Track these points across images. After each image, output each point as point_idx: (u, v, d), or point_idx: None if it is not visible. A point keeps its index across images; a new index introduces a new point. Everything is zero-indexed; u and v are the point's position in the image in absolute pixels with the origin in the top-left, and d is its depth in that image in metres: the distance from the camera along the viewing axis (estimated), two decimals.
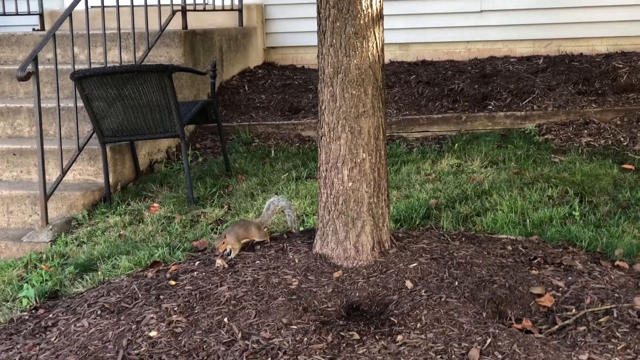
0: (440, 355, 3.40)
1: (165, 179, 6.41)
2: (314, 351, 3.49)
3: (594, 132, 6.80)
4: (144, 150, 6.74)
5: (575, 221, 5.03)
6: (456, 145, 6.72)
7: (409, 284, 3.95)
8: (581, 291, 3.96)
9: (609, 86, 7.45)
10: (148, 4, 6.95)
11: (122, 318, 3.90)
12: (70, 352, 3.69)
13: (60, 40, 7.03)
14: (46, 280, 4.80)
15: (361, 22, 4.05)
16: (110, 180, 6.14)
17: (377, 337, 3.60)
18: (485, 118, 7.18)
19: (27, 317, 4.29)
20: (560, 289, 3.99)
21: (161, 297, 4.03)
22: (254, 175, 6.29)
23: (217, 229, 5.26)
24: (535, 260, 4.32)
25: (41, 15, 8.44)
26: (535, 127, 7.01)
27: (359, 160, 4.15)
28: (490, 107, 7.35)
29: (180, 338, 3.65)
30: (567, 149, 6.50)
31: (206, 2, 8.30)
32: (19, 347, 3.89)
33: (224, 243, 4.34)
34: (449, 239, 4.54)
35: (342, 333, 3.64)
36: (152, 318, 3.82)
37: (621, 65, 7.71)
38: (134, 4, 6.85)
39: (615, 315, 3.73)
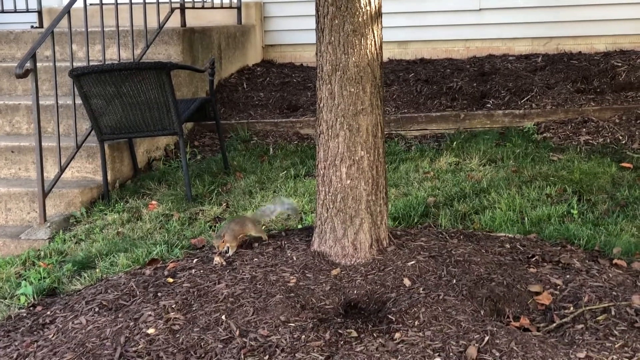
0: (438, 353, 3.41)
1: (164, 177, 6.41)
2: (312, 349, 3.49)
3: (593, 131, 6.80)
4: (142, 148, 6.73)
5: (573, 219, 5.03)
6: (455, 143, 6.72)
7: (407, 281, 3.95)
8: (579, 289, 3.96)
9: (607, 84, 7.45)
10: (147, 1, 6.94)
11: (119, 315, 3.90)
12: (68, 349, 3.69)
13: (59, 38, 7.02)
14: (44, 278, 4.80)
15: (359, 19, 4.05)
16: (109, 177, 6.14)
17: (374, 334, 3.60)
18: (483, 116, 7.18)
19: (24, 315, 4.28)
20: (558, 287, 3.99)
21: (159, 294, 4.03)
22: (252, 173, 6.28)
23: (215, 226, 5.26)
24: (534, 259, 4.32)
25: (39, 13, 8.43)
26: (534, 125, 7.01)
27: (357, 158, 4.14)
28: (489, 106, 7.35)
29: (178, 335, 3.65)
30: (565, 148, 6.50)
31: None
32: (16, 344, 3.89)
33: (223, 242, 4.33)
34: (447, 237, 4.54)
35: (339, 331, 3.64)
36: (149, 315, 3.82)
37: (620, 64, 7.71)
38: (133, 1, 6.84)
39: (613, 313, 3.73)
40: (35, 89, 5.71)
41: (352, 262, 4.16)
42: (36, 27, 8.34)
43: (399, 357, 3.39)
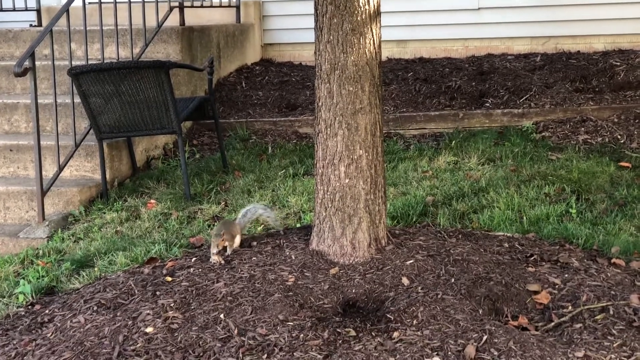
0: (436, 352, 3.41)
1: (162, 176, 6.40)
2: (310, 347, 3.49)
3: (591, 130, 6.80)
4: (141, 147, 6.73)
5: (572, 219, 5.03)
6: (453, 142, 6.72)
7: (405, 280, 3.95)
8: (577, 288, 3.96)
9: (606, 84, 7.45)
10: (145, 0, 6.93)
11: (118, 314, 3.90)
12: (66, 347, 3.69)
13: (58, 36, 7.02)
14: (42, 276, 4.80)
15: (358, 18, 4.05)
16: (107, 176, 6.14)
17: (373, 333, 3.60)
18: (482, 115, 7.19)
19: (23, 313, 4.28)
20: (557, 286, 3.99)
21: (157, 293, 4.03)
22: (251, 172, 6.28)
23: (213, 225, 5.26)
24: (532, 258, 4.32)
25: (38, 11, 8.43)
26: (533, 124, 7.02)
27: (355, 157, 4.14)
28: (488, 105, 7.35)
29: (176, 334, 3.65)
30: (564, 147, 6.50)
31: None
32: (15, 342, 3.89)
33: (222, 240, 4.33)
34: (446, 236, 4.54)
35: (338, 330, 3.64)
36: (148, 314, 3.82)
37: (618, 63, 7.71)
38: (132, 0, 6.84)
39: (611, 312, 3.73)
40: (33, 87, 5.71)
41: (351, 261, 4.16)
42: (35, 26, 8.34)
43: (398, 356, 3.40)
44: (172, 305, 3.88)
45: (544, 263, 4.26)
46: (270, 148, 6.94)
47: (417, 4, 8.52)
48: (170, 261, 4.49)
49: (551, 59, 8.12)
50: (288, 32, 8.86)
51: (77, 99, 6.02)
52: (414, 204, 5.28)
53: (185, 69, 7.11)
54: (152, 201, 5.83)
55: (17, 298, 4.51)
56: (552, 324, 3.70)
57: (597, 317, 3.70)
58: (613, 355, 3.39)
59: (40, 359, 3.67)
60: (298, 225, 5.09)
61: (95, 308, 4.03)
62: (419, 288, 3.88)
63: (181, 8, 7.57)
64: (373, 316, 3.78)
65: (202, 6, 8.08)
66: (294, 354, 3.46)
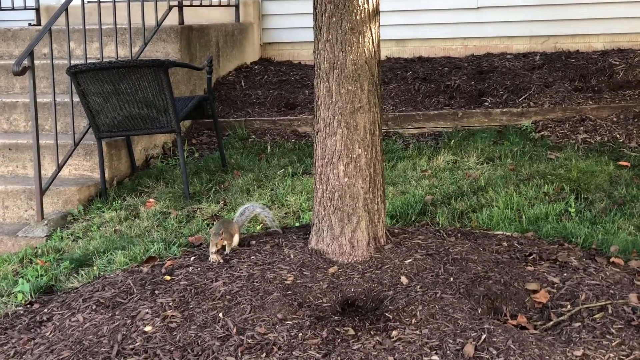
0: (435, 351, 3.41)
1: (161, 175, 6.40)
2: (309, 346, 3.49)
3: (590, 129, 6.80)
4: (140, 146, 6.73)
5: (570, 218, 5.03)
6: (452, 141, 6.72)
7: (404, 279, 3.95)
8: (576, 287, 3.96)
9: (605, 83, 7.45)
10: None
11: (117, 313, 3.90)
12: (65, 346, 3.69)
13: (57, 35, 7.02)
14: (41, 275, 4.80)
15: (357, 17, 4.05)
16: (106, 175, 6.14)
17: (372, 332, 3.60)
18: (481, 114, 7.19)
19: (22, 312, 4.28)
20: (556, 285, 3.99)
21: (156, 292, 4.03)
22: (250, 171, 6.28)
23: (212, 224, 5.26)
24: (531, 257, 4.32)
25: (37, 10, 8.42)
26: (532, 123, 7.02)
27: (354, 156, 4.14)
28: (487, 104, 7.35)
29: (175, 333, 3.65)
30: (563, 146, 6.50)
31: None
32: (13, 341, 3.89)
33: (221, 239, 4.33)
34: (445, 235, 4.54)
35: (337, 328, 3.64)
36: (147, 313, 3.82)
37: (617, 62, 7.71)
38: None
39: (610, 311, 3.73)
40: (32, 86, 5.70)
41: (350, 260, 4.16)
42: (34, 25, 8.33)
43: (396, 355, 3.40)
44: (170, 304, 3.88)
45: (542, 262, 4.26)
46: (269, 147, 6.93)
47: (416, 3, 8.52)
48: (169, 260, 4.49)
49: (550, 58, 8.12)
50: (287, 31, 8.86)
51: (76, 98, 6.01)
52: (413, 203, 5.28)
53: (184, 68, 7.11)
54: (151, 200, 5.83)
55: (16, 297, 4.51)
56: (551, 323, 3.70)
57: (596, 316, 3.70)
58: (612, 354, 3.40)
59: (39, 358, 3.67)
60: (297, 224, 5.09)
61: (94, 307, 4.03)
62: (418, 287, 3.88)
63: (180, 7, 7.57)
64: (372, 315, 3.78)
65: (201, 5, 8.07)
66: (293, 352, 3.46)
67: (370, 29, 4.10)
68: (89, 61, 6.31)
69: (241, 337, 3.58)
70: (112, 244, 5.09)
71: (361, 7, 4.05)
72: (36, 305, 4.34)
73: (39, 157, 5.75)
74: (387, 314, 3.72)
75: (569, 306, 3.81)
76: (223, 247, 4.33)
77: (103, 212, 5.75)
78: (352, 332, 3.62)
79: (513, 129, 6.94)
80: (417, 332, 3.54)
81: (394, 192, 5.60)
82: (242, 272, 4.09)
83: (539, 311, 3.84)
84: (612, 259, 4.34)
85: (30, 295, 4.51)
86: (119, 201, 5.88)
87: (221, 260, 4.26)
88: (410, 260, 4.10)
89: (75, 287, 4.49)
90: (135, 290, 4.11)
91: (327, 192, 4.20)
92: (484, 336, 3.47)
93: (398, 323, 3.63)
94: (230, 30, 8.38)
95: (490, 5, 8.41)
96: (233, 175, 6.25)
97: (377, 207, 4.23)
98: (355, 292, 3.93)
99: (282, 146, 6.93)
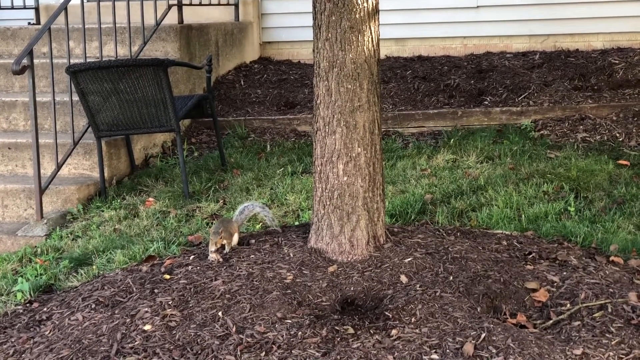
0: (434, 350, 3.41)
1: (161, 174, 6.40)
2: (308, 345, 3.49)
3: (590, 128, 6.80)
4: (140, 145, 6.73)
5: (570, 217, 5.03)
6: (452, 140, 6.72)
7: (403, 278, 3.95)
8: (576, 286, 3.96)
9: (604, 82, 7.45)
10: None
11: (116, 312, 3.90)
12: (65, 345, 3.69)
13: (56, 34, 7.01)
14: (41, 274, 4.80)
15: (357, 16, 4.04)
16: (106, 174, 6.13)
17: (371, 331, 3.60)
18: (481, 113, 7.19)
19: (21, 311, 4.28)
20: (555, 284, 3.99)
21: (156, 291, 4.03)
22: (249, 170, 6.28)
23: (212, 223, 5.26)
24: (530, 256, 4.32)
25: (37, 9, 8.41)
26: (531, 122, 7.01)
27: (354, 155, 4.14)
28: (486, 103, 7.35)
29: (174, 332, 3.65)
30: (562, 145, 6.50)
31: None
32: (13, 340, 3.89)
33: (221, 238, 4.33)
34: (444, 234, 4.54)
35: (336, 327, 3.64)
36: (146, 312, 3.82)
37: (617, 61, 7.71)
38: None
39: (609, 310, 3.73)
40: (32, 85, 5.70)
41: (349, 259, 4.16)
42: (33, 24, 8.32)
43: (396, 354, 3.39)
44: (170, 303, 3.88)
45: (542, 261, 4.26)
46: (268, 146, 6.93)
47: (415, 2, 8.51)
48: (168, 259, 4.49)
49: (550, 57, 8.11)
50: (287, 30, 8.86)
51: (76, 97, 6.01)
52: (413, 202, 5.28)
53: (183, 67, 7.11)
54: (151, 199, 5.82)
55: (15, 296, 4.51)
56: (551, 321, 3.71)
57: (596, 315, 3.70)
58: (611, 353, 3.40)
59: (38, 357, 3.67)
60: (296, 223, 5.09)
61: (93, 306, 4.03)
62: (418, 286, 3.88)
63: (180, 6, 7.56)
64: (371, 314, 3.78)
65: (200, 4, 8.07)
66: (292, 351, 3.46)
67: (370, 27, 4.10)
68: (88, 60, 6.31)
69: (240, 336, 3.58)
70: (112, 243, 5.09)
71: (360, 6, 4.05)
72: (35, 304, 4.34)
73: (39, 156, 5.75)
74: (386, 313, 3.71)
75: (568, 305, 3.81)
76: (222, 246, 4.32)
77: (102, 211, 5.75)
78: (351, 330, 3.62)
79: (513, 128, 6.94)
80: (417, 330, 3.54)
81: (394, 191, 5.60)
82: (241, 271, 4.09)
83: (539, 310, 3.84)
84: (611, 258, 4.34)
85: (30, 294, 4.51)
86: (119, 200, 5.88)
87: (220, 259, 4.25)
88: (409, 259, 4.10)
89: (75, 286, 4.49)
90: (134, 289, 4.11)
91: (326, 190, 4.20)
92: (483, 335, 3.47)
93: (397, 322, 3.63)
94: (230, 29, 8.38)
95: (489, 4, 8.40)
96: (232, 174, 6.25)
97: (376, 206, 4.23)
98: (354, 291, 3.93)
99: (282, 145, 6.93)
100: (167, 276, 4.18)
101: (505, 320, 3.71)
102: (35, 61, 6.04)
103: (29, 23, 8.37)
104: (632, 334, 3.54)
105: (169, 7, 7.35)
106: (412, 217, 5.12)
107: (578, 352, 3.39)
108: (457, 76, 7.81)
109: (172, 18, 7.42)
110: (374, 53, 4.13)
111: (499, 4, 8.38)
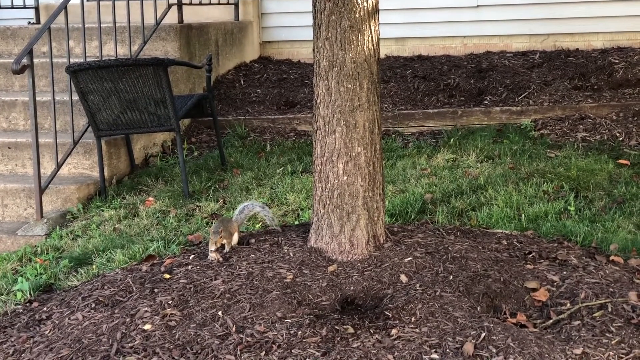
0: (434, 349, 3.40)
1: (161, 173, 6.40)
2: (308, 345, 3.49)
3: (590, 128, 6.80)
4: (140, 144, 6.73)
5: (570, 216, 5.03)
6: (452, 140, 6.72)
7: (403, 278, 3.95)
8: (576, 286, 3.96)
9: (604, 81, 7.45)
10: None
11: (116, 311, 3.89)
12: (64, 345, 3.69)
13: (56, 34, 7.01)
14: (41, 274, 4.80)
15: (357, 15, 4.04)
16: (106, 173, 6.13)
17: (371, 330, 3.60)
18: (481, 113, 7.18)
19: (21, 311, 4.28)
20: (555, 284, 3.99)
21: (155, 290, 4.03)
22: (249, 170, 6.28)
23: (212, 222, 5.25)
24: (530, 255, 4.32)
25: (36, 9, 8.41)
26: (531, 122, 7.01)
27: (354, 154, 4.14)
28: (486, 102, 7.34)
29: (174, 331, 3.65)
30: (562, 144, 6.50)
31: None
32: (12, 340, 3.88)
33: (221, 237, 4.33)
34: (444, 234, 4.54)
35: (336, 327, 3.64)
36: (146, 311, 3.82)
37: (617, 61, 7.71)
38: None
39: (609, 309, 3.73)
40: (32, 85, 5.70)
41: (349, 259, 4.16)
42: (33, 23, 8.32)
43: (396, 354, 3.39)
44: (170, 302, 3.88)
45: (542, 260, 4.26)
46: (268, 146, 6.93)
47: (415, 1, 8.51)
48: (168, 259, 4.48)
49: (550, 56, 8.11)
50: (286, 29, 8.86)
51: (76, 97, 6.01)
52: (413, 202, 5.28)
53: (183, 67, 7.11)
54: (151, 199, 5.82)
55: (15, 295, 4.51)
56: (551, 321, 3.70)
57: (596, 314, 3.70)
58: (611, 353, 3.39)
59: (38, 356, 3.67)
60: (296, 222, 5.09)
61: (93, 305, 4.03)
62: (417, 285, 3.87)
63: (179, 5, 7.56)
64: (371, 313, 3.78)
65: (200, 4, 8.07)
66: (292, 351, 3.46)
67: (370, 27, 4.09)
68: (88, 59, 6.30)
69: (240, 335, 3.58)
70: (112, 242, 5.08)
71: (360, 5, 4.05)
72: (35, 304, 4.33)
73: (38, 155, 5.75)
74: (386, 312, 3.71)
75: (568, 304, 3.81)
76: (222, 246, 4.32)
77: (102, 210, 5.74)
78: (351, 330, 3.61)
79: (512, 128, 6.94)
80: (417, 330, 3.54)
81: (394, 190, 5.60)
82: (241, 271, 4.08)
83: (539, 309, 3.84)
84: (611, 257, 4.34)
85: (30, 294, 4.51)
86: (119, 200, 5.88)
87: (220, 259, 4.25)
88: (409, 259, 4.10)
89: (75, 286, 4.48)
90: (134, 289, 4.11)
91: (326, 190, 4.20)
92: (483, 334, 3.47)
93: (397, 321, 3.63)
94: (230, 29, 8.38)
95: (489, 3, 8.40)
96: (232, 173, 6.25)
97: (376, 206, 4.23)
98: (354, 290, 3.93)
99: (282, 144, 6.93)
100: (167, 275, 4.18)
101: (505, 320, 3.71)
102: (35, 60, 6.04)
103: (29, 22, 8.37)
104: (632, 333, 3.54)
105: (169, 6, 7.35)
106: (412, 217, 5.12)
107: (578, 351, 3.39)
108: (457, 76, 7.81)
109: (172, 17, 7.42)
110: (374, 52, 4.13)
111: (499, 4, 8.38)
